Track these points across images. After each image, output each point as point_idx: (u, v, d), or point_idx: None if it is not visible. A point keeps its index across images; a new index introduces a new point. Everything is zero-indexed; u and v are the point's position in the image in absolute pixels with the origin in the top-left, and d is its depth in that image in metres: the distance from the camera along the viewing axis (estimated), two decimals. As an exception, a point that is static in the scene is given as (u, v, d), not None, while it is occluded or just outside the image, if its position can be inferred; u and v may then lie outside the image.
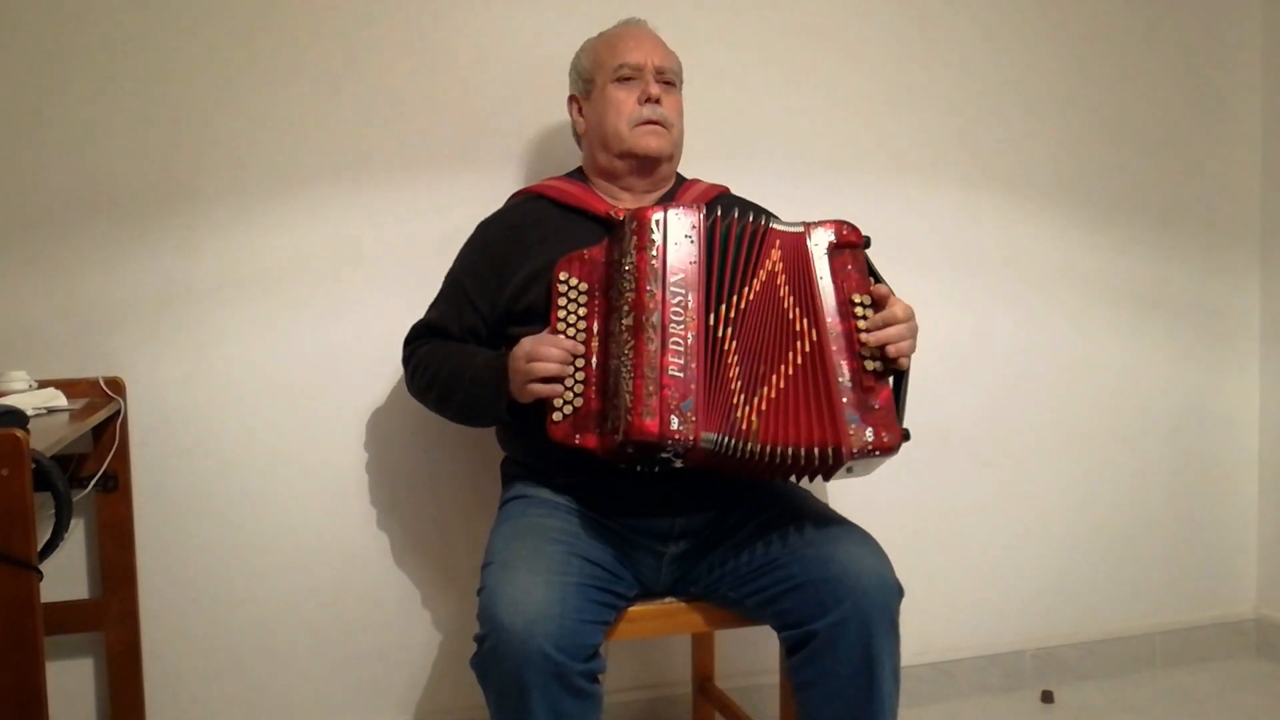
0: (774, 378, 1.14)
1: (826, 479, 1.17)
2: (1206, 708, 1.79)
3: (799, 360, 1.15)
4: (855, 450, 1.12)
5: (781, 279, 1.17)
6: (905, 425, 1.16)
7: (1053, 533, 1.91)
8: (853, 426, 1.12)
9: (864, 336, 1.16)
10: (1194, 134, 1.95)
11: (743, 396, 1.13)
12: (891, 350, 1.15)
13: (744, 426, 1.13)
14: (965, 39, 1.80)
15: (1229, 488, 2.02)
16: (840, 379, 1.13)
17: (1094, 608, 1.94)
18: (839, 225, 1.20)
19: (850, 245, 1.19)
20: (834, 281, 1.17)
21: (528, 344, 1.18)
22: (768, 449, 1.12)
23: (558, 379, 1.16)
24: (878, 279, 1.21)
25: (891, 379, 1.18)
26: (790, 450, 1.12)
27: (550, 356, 1.15)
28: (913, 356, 1.19)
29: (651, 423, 1.08)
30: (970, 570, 1.86)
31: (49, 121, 1.42)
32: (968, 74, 1.80)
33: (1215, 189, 1.97)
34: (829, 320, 1.16)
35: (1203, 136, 1.96)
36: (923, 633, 1.80)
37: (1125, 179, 1.91)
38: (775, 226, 1.19)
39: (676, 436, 1.08)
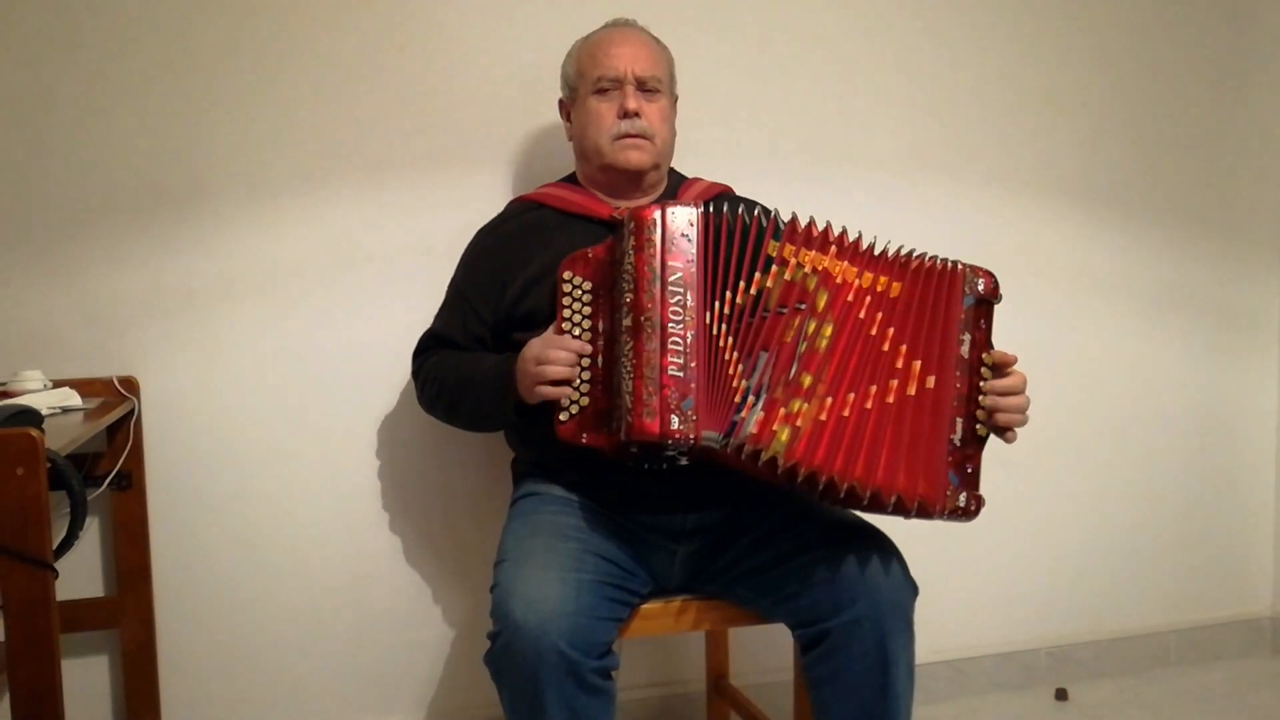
0: (830, 400, 1.10)
1: (861, 510, 1.15)
2: (1221, 706, 1.78)
3: (891, 398, 1.11)
4: (946, 510, 1.10)
5: (868, 301, 1.12)
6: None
7: (1068, 531, 1.90)
8: (950, 488, 1.11)
9: (984, 400, 1.14)
10: (1214, 135, 1.94)
11: (755, 397, 1.10)
12: (1013, 420, 1.13)
13: (755, 431, 1.09)
14: (982, 39, 1.79)
15: (1245, 487, 2.01)
16: (953, 436, 1.11)
17: (1109, 606, 1.93)
18: (989, 277, 1.16)
19: (991, 299, 1.16)
20: (971, 335, 1.13)
21: (535, 346, 1.17)
22: (803, 470, 1.08)
23: (566, 380, 1.15)
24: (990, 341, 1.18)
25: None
26: (861, 488, 1.08)
27: (558, 359, 1.15)
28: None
29: (652, 423, 1.07)
30: (985, 569, 1.85)
31: (63, 122, 1.42)
32: (985, 74, 1.80)
33: (1235, 191, 1.96)
34: (957, 374, 1.12)
35: (1223, 138, 1.94)
36: (938, 631, 1.79)
37: (1145, 180, 1.90)
38: (909, 251, 1.15)
39: (677, 436, 1.07)
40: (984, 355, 1.14)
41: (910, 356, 1.12)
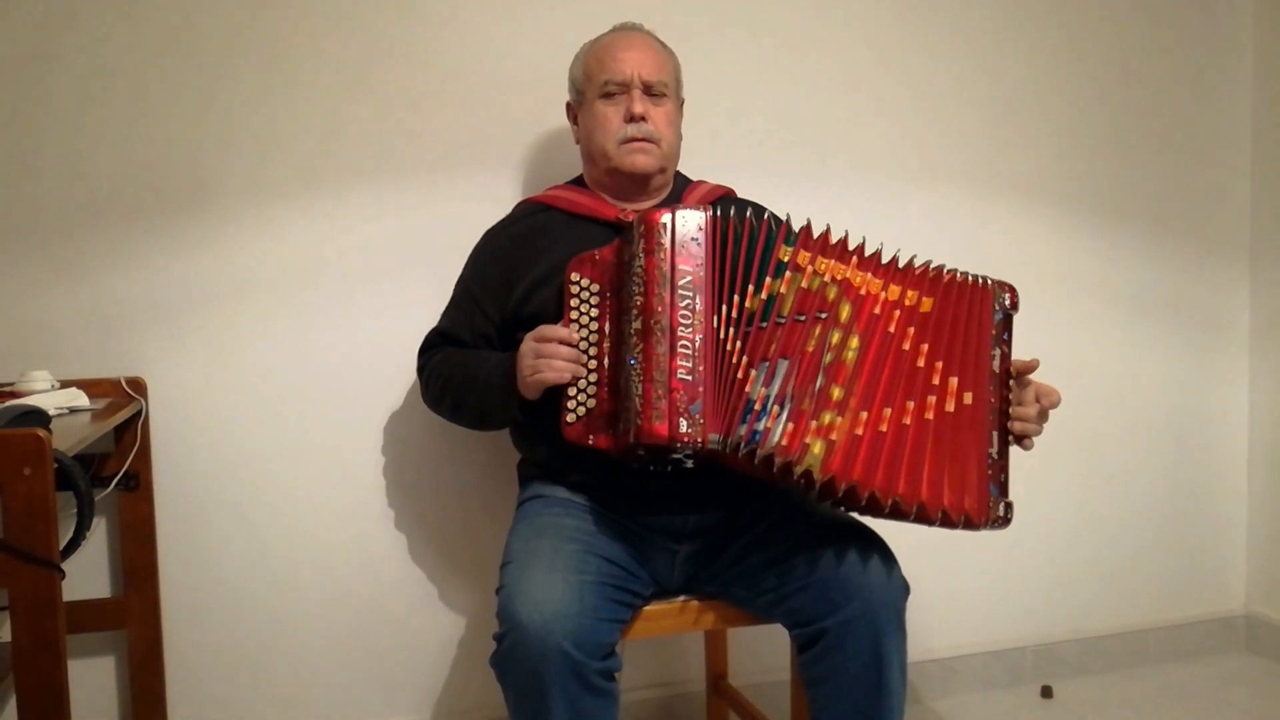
0: (864, 413, 1.11)
1: (905, 522, 1.15)
2: (1199, 702, 1.82)
3: (930, 414, 1.12)
4: (990, 521, 1.13)
5: (897, 315, 1.13)
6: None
7: (1051, 533, 1.93)
8: (992, 499, 1.13)
9: (1013, 411, 1.17)
10: (1186, 141, 1.97)
11: (779, 407, 1.10)
12: (1031, 432, 1.17)
13: (786, 443, 1.09)
14: (962, 48, 1.82)
15: (1219, 487, 2.05)
16: (990, 450, 1.13)
17: (1091, 606, 1.96)
18: (1012, 291, 1.18)
19: (1013, 312, 1.18)
20: (1000, 349, 1.16)
21: (529, 340, 1.20)
22: (843, 485, 1.09)
23: (564, 370, 1.17)
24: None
25: None
26: (905, 503, 1.10)
27: (556, 353, 1.17)
28: None
29: (661, 425, 1.08)
30: (973, 570, 1.88)
31: (68, 123, 1.42)
32: (965, 82, 1.82)
33: (1206, 195, 2.00)
34: (993, 389, 1.15)
35: (1195, 144, 1.98)
36: (928, 631, 1.82)
37: (1117, 185, 1.93)
38: (954, 271, 1.16)
39: (685, 439, 1.08)
40: (1010, 369, 1.18)
41: (947, 373, 1.14)
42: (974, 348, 1.16)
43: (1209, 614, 2.04)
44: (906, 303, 1.15)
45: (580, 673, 1.07)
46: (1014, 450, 1.30)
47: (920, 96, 1.80)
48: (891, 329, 1.14)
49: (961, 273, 1.18)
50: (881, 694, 1.16)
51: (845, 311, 1.14)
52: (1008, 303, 1.18)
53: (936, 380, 1.14)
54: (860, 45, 1.76)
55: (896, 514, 1.13)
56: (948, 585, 1.86)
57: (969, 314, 1.16)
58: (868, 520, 1.23)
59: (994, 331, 1.16)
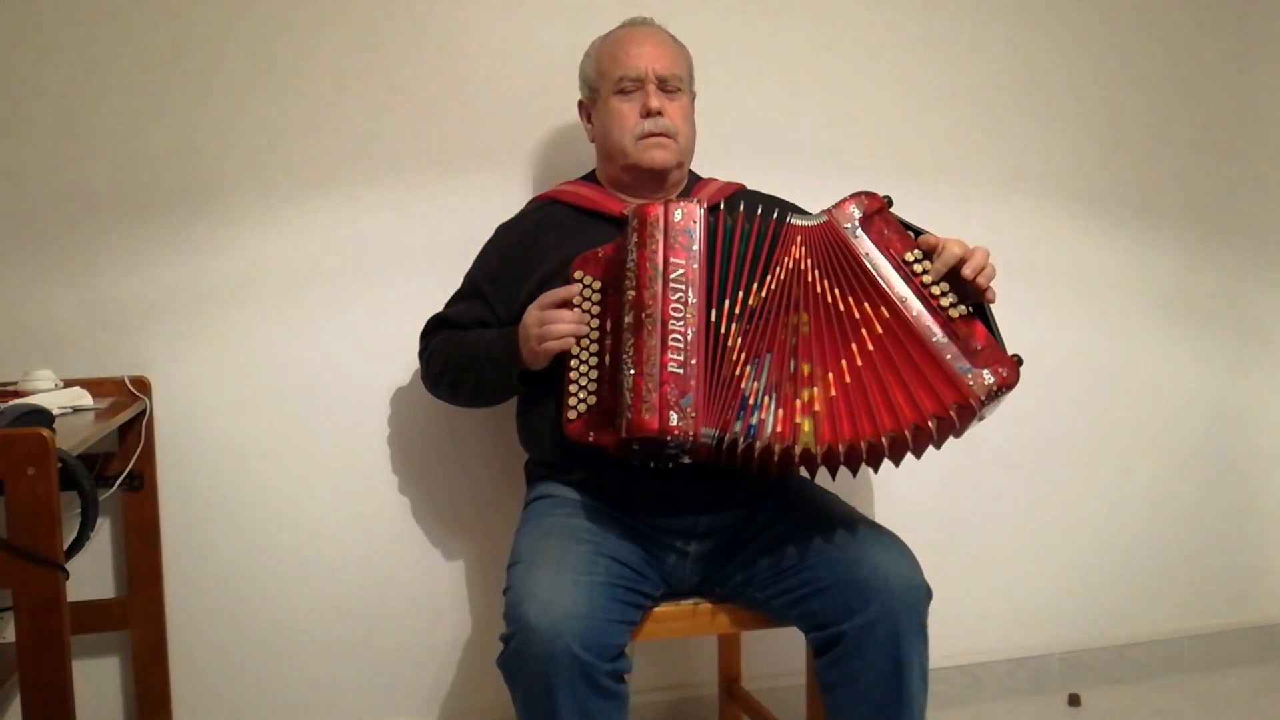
0: (830, 375, 1.12)
1: (917, 453, 1.12)
2: (1234, 713, 1.77)
3: (870, 346, 1.13)
4: (984, 398, 1.09)
5: (815, 274, 1.15)
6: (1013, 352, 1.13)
7: (1081, 536, 1.90)
8: (970, 377, 1.10)
9: (935, 289, 1.14)
10: (1222, 137, 1.94)
11: (769, 398, 1.12)
12: (981, 281, 1.13)
13: (780, 429, 1.11)
14: (993, 44, 1.79)
15: (1258, 492, 2.01)
16: (934, 339, 1.12)
17: (1122, 611, 1.93)
18: (857, 198, 1.18)
19: (877, 212, 1.17)
20: (882, 252, 1.15)
21: (533, 309, 1.20)
22: (841, 447, 1.09)
23: (572, 335, 1.17)
24: (916, 231, 1.19)
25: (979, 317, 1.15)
26: (900, 434, 1.09)
27: (562, 317, 1.17)
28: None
29: (651, 419, 1.08)
30: (998, 573, 1.85)
31: (74, 122, 1.43)
32: (995, 78, 1.80)
33: (1244, 192, 1.96)
34: (896, 289, 1.14)
35: (1231, 140, 1.94)
36: (950, 635, 1.78)
37: (1153, 183, 1.90)
38: (794, 222, 1.17)
39: (676, 432, 1.08)
40: (905, 256, 1.15)
41: (858, 304, 1.14)
42: (855, 269, 1.15)
43: (1247, 621, 2.00)
44: (812, 263, 1.16)
45: (589, 674, 1.06)
46: (1037, 452, 1.24)
47: (945, 89, 1.77)
48: (819, 290, 1.15)
49: (799, 218, 1.17)
50: (901, 700, 1.14)
51: (798, 292, 1.15)
52: (860, 212, 1.17)
53: (857, 315, 1.14)
54: (881, 36, 1.74)
55: (899, 448, 1.11)
56: (971, 588, 1.83)
57: (835, 246, 1.16)
58: (892, 521, 1.22)
59: (857, 244, 1.15)
